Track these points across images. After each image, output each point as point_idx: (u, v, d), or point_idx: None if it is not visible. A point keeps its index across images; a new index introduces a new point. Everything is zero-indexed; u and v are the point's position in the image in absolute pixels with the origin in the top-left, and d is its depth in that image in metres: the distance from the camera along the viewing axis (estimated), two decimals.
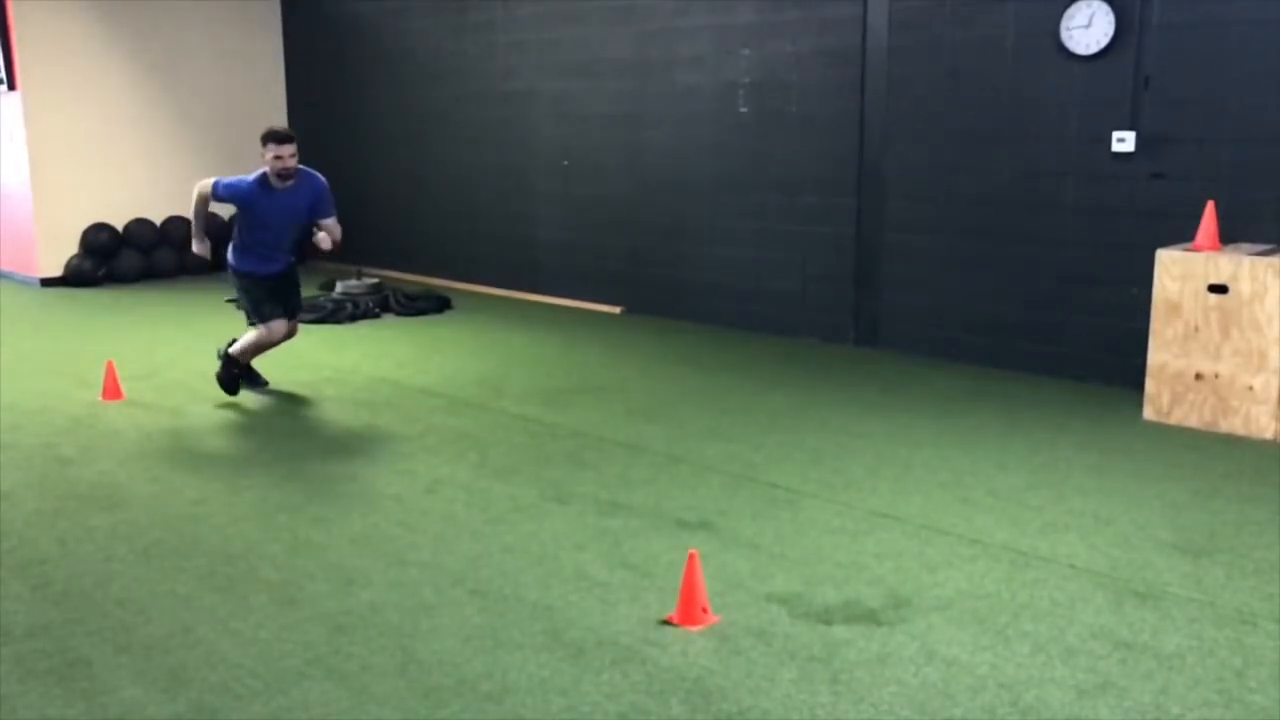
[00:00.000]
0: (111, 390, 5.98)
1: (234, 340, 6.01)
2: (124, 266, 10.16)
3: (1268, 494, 4.34)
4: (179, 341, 7.52)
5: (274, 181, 5.66)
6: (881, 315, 6.98)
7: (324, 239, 5.78)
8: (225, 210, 10.84)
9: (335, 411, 5.73)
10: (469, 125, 9.45)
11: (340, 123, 10.74)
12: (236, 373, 5.97)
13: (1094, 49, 5.80)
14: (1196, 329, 5.13)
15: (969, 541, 3.91)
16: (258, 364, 6.19)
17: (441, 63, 9.58)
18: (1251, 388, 5.01)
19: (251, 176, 5.72)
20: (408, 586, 3.60)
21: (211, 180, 5.78)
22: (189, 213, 6.00)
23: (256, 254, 5.86)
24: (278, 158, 5.59)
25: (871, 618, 3.33)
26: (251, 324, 5.97)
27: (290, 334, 6.09)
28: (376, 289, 8.70)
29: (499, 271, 9.40)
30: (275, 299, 5.92)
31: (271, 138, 5.62)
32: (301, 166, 5.74)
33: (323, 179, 5.91)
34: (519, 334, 7.69)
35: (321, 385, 6.28)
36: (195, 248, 5.98)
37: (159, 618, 3.40)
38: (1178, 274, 5.16)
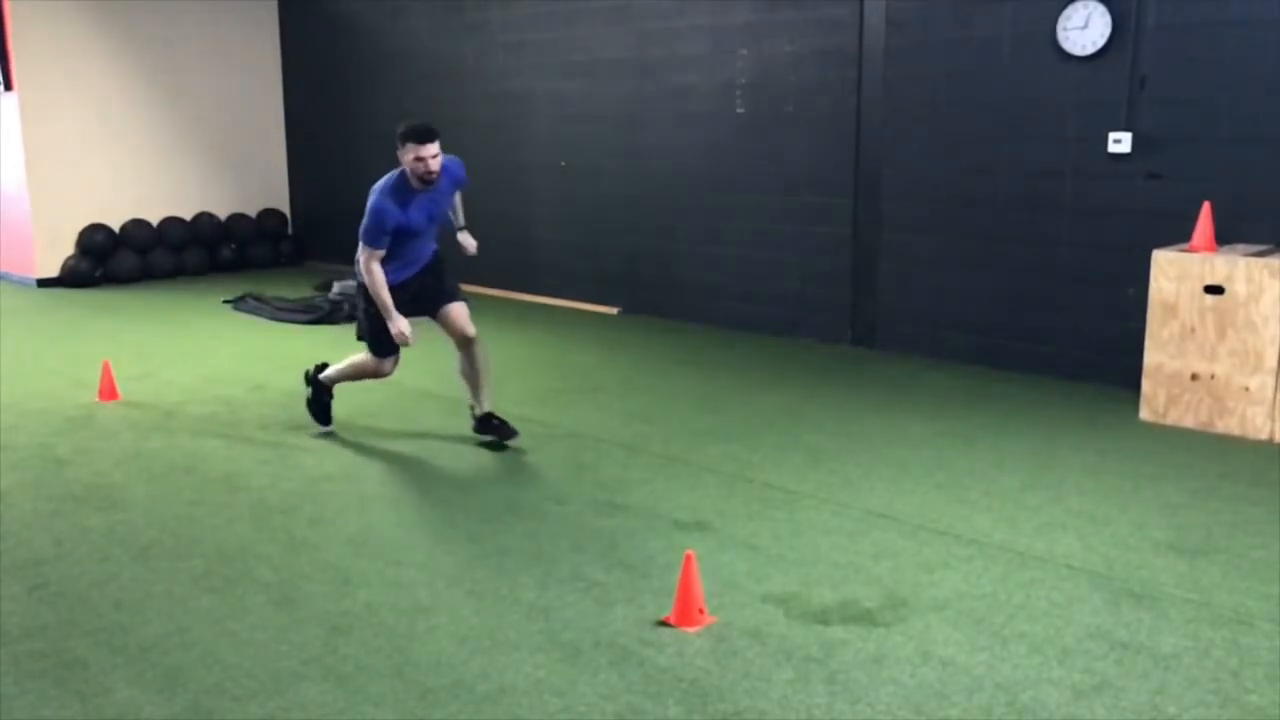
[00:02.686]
0: (108, 391, 5.98)
1: (324, 364, 5.36)
2: (121, 267, 10.15)
3: (1264, 494, 4.35)
4: (175, 342, 7.51)
5: (414, 184, 4.72)
6: (879, 316, 6.99)
7: (468, 243, 5.06)
8: (223, 210, 10.87)
9: (333, 412, 5.72)
10: (466, 125, 9.44)
11: (337, 123, 10.74)
12: (329, 400, 5.30)
13: (1090, 50, 5.80)
14: (1192, 330, 5.14)
15: (966, 542, 3.91)
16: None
17: (438, 63, 9.59)
18: (1247, 388, 5.02)
19: (381, 189, 4.73)
20: (404, 587, 3.60)
21: (362, 245, 4.77)
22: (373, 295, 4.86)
23: (398, 262, 4.89)
24: (419, 159, 4.61)
25: (868, 618, 3.33)
26: (365, 344, 5.06)
27: (462, 332, 4.97)
28: None
29: (496, 271, 9.40)
30: (408, 314, 4.90)
31: (411, 136, 4.61)
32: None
33: (456, 160, 4.95)
34: (516, 334, 7.68)
35: None
36: (393, 329, 4.80)
37: (155, 618, 3.40)
38: (1174, 274, 5.17)
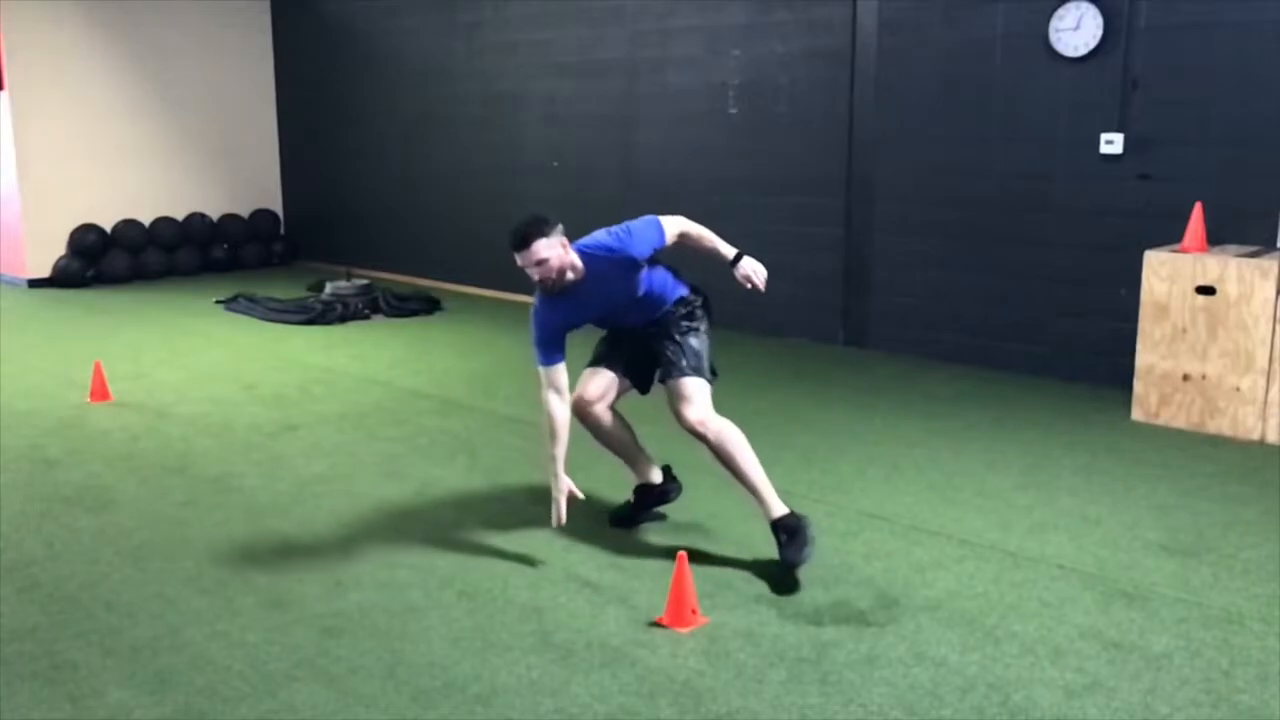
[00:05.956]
0: (99, 391, 5.96)
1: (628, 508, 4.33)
2: (112, 267, 10.12)
3: (1255, 494, 4.36)
4: (167, 342, 7.49)
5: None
6: (871, 316, 6.99)
7: (750, 273, 4.11)
8: (215, 210, 10.85)
9: (325, 413, 5.71)
10: (458, 126, 9.44)
11: (330, 123, 10.72)
12: (633, 509, 4.23)
13: (1082, 51, 5.82)
14: (1184, 330, 5.15)
15: (958, 542, 3.92)
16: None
17: (431, 63, 9.57)
18: (1238, 388, 5.03)
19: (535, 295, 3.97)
20: (397, 588, 3.59)
21: (540, 370, 3.99)
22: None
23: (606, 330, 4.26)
24: (524, 268, 3.80)
25: (860, 619, 3.34)
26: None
27: (677, 416, 3.94)
28: (366, 290, 8.68)
29: (488, 272, 9.38)
30: (611, 353, 4.23)
31: (510, 244, 3.81)
32: (581, 247, 3.96)
33: (609, 244, 4.02)
34: (509, 335, 7.67)
35: (311, 386, 6.27)
36: (555, 491, 3.85)
37: (146, 620, 3.39)
38: (1165, 275, 5.18)
